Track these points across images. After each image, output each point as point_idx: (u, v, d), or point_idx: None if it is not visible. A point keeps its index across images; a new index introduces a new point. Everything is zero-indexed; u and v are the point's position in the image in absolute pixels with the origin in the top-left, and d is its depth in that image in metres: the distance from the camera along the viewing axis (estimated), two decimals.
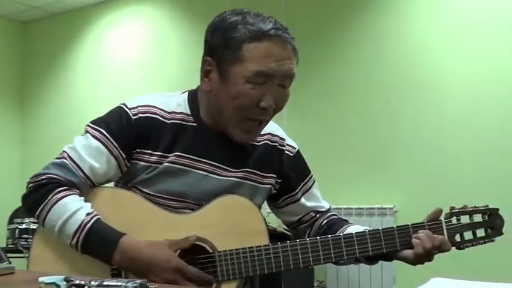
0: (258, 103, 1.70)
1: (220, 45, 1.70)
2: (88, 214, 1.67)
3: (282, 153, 1.93)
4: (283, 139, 1.95)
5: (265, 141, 1.90)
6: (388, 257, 1.80)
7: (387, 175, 4.75)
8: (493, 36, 4.34)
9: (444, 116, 4.50)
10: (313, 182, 2.00)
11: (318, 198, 2.01)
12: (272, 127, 1.93)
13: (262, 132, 1.87)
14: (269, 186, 1.90)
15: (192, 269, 1.65)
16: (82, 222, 1.65)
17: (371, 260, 1.85)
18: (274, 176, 1.91)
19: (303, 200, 1.97)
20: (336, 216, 2.00)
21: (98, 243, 1.66)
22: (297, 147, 1.98)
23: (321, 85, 5.08)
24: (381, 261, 1.86)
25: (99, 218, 1.68)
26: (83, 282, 1.18)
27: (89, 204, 1.71)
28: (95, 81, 6.68)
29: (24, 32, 7.41)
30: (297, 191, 1.96)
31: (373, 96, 4.86)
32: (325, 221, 1.97)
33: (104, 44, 6.69)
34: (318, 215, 1.99)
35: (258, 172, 1.86)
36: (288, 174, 1.93)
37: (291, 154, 1.95)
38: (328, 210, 2.02)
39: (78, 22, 6.86)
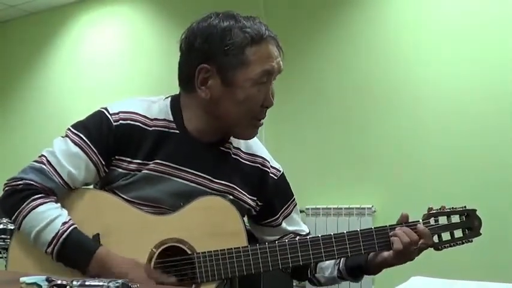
0: (262, 104, 1.75)
1: (219, 52, 1.70)
2: (64, 223, 1.67)
3: (266, 175, 1.92)
4: (267, 161, 1.94)
5: (248, 162, 1.90)
6: (370, 270, 1.81)
7: (366, 175, 4.76)
8: (469, 41, 4.37)
9: (421, 116, 4.53)
10: (294, 206, 1.99)
11: (298, 222, 2.00)
12: (256, 146, 1.94)
13: (245, 151, 1.90)
14: (248, 206, 1.89)
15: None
16: (58, 232, 1.65)
17: (354, 277, 1.86)
18: (255, 198, 1.90)
19: (284, 224, 1.96)
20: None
21: (74, 252, 1.66)
22: (282, 170, 1.97)
23: (299, 84, 5.07)
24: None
25: (75, 228, 1.68)
26: (64, 282, 1.18)
27: (65, 212, 1.70)
28: (73, 80, 6.62)
29: (1, 32, 7.34)
30: (278, 216, 1.95)
31: (351, 95, 4.86)
32: None
33: (82, 43, 6.63)
34: (297, 237, 1.95)
35: (239, 189, 1.85)
36: (270, 198, 1.93)
37: (275, 177, 1.94)
38: (308, 234, 1.99)
39: (55, 21, 6.80)
